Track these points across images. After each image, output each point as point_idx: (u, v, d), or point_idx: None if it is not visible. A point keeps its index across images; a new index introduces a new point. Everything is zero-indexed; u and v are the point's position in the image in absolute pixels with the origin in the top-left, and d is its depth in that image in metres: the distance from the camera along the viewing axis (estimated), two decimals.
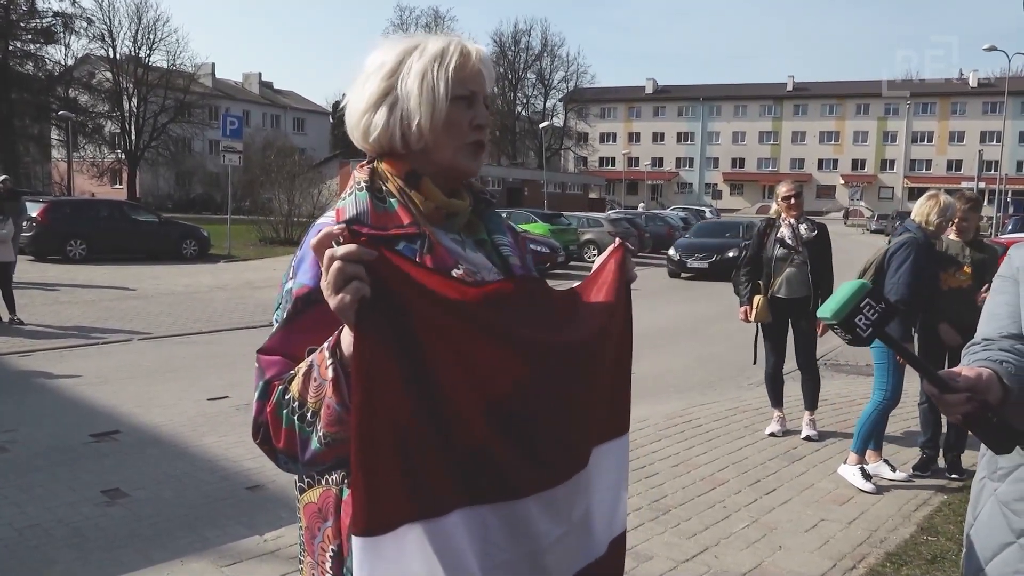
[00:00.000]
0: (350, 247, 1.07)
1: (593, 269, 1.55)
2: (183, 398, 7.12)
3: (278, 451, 1.21)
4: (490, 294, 1.24)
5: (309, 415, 1.16)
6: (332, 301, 1.08)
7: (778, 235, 5.96)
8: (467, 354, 1.18)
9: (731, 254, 19.00)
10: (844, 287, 1.41)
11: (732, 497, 4.77)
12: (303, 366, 1.18)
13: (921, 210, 5.11)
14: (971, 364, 1.50)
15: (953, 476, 5.17)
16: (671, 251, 21.48)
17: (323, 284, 1.09)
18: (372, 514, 1.09)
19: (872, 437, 5.11)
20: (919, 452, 5.33)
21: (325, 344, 1.16)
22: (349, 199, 1.35)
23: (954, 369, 1.42)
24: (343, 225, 1.12)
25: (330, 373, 1.13)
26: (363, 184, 1.37)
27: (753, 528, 4.31)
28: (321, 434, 1.15)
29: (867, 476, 4.98)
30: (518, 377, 1.23)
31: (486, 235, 1.49)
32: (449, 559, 1.15)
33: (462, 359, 1.17)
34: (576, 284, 1.52)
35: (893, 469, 5.17)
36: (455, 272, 1.32)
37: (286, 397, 1.18)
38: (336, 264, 1.07)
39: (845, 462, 5.14)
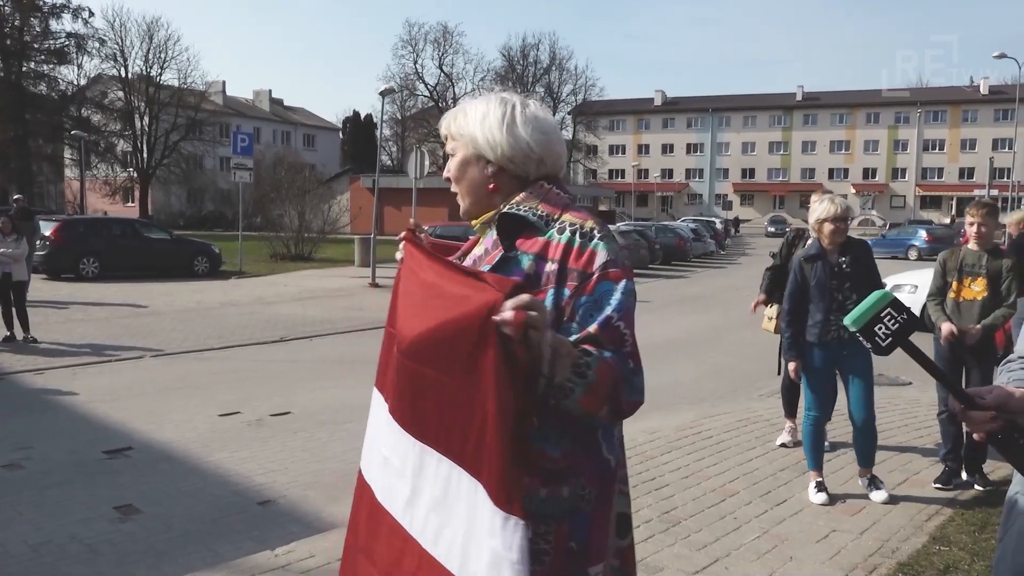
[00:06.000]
0: None
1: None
2: (195, 414, 7.16)
3: None
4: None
5: None
6: None
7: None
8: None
9: None
10: (871, 296, 1.41)
11: (742, 508, 4.75)
12: None
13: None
14: (1008, 383, 1.47)
15: (978, 487, 5.06)
16: None
17: None
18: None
19: (813, 452, 5.01)
20: (941, 465, 5.25)
21: None
22: None
23: (984, 387, 1.39)
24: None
25: None
26: None
27: (764, 539, 4.30)
28: None
29: (822, 489, 4.90)
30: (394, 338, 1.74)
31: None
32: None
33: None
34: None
35: (877, 488, 4.94)
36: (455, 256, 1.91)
37: None
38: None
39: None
